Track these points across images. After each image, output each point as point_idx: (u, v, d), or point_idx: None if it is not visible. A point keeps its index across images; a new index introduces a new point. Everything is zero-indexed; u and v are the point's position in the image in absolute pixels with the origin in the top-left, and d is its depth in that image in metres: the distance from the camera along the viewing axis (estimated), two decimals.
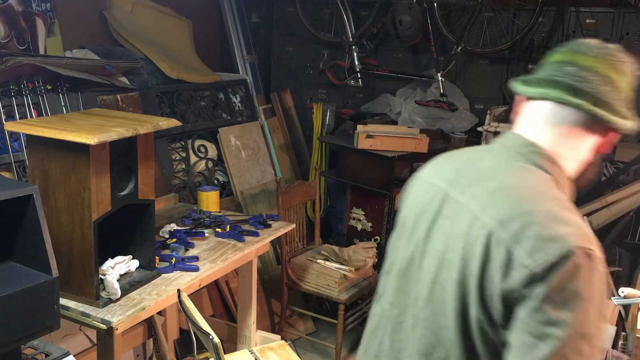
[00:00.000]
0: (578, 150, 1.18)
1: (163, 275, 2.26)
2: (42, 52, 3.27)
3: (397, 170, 3.63)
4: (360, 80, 4.32)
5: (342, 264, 3.39)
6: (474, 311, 1.08)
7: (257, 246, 2.65)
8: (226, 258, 2.46)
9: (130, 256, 2.23)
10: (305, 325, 3.77)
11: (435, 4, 3.98)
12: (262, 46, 4.80)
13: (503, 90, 3.94)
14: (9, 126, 2.08)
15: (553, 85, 1.17)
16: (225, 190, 4.01)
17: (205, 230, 2.71)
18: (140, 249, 2.24)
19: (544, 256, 1.00)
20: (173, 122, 2.21)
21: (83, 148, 1.87)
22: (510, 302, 1.03)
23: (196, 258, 2.41)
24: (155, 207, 2.26)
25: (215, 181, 3.98)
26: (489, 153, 1.23)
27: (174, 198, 3.18)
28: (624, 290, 2.21)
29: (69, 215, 1.98)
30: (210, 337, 1.91)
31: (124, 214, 2.11)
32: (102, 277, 2.05)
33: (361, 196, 3.74)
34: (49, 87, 3.07)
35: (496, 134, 3.87)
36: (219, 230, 2.70)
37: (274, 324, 3.68)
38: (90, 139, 1.83)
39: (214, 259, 2.44)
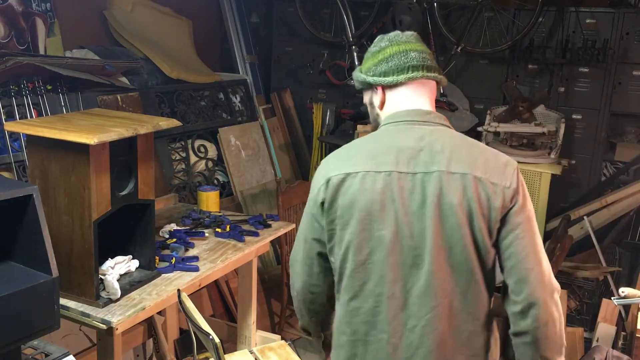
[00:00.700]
0: None
1: (163, 275, 2.26)
2: (42, 52, 3.27)
3: None
4: None
5: None
6: (479, 232, 1.42)
7: (257, 246, 2.65)
8: (226, 258, 2.46)
9: (130, 256, 2.23)
10: None
11: (435, 4, 3.98)
12: (262, 46, 4.80)
13: (503, 90, 3.94)
14: (9, 126, 2.08)
15: (414, 69, 1.51)
16: (225, 190, 4.01)
17: (205, 230, 2.71)
18: (140, 249, 2.24)
19: (510, 176, 1.43)
20: (173, 122, 2.21)
21: (83, 148, 1.87)
22: (504, 213, 1.41)
23: (196, 258, 2.41)
24: (155, 207, 2.26)
25: (215, 181, 3.98)
26: (402, 133, 1.49)
27: (174, 198, 3.18)
28: (624, 290, 2.21)
29: (69, 215, 1.98)
30: (210, 337, 1.91)
31: (124, 214, 2.11)
32: (102, 277, 2.05)
33: None
34: (49, 87, 3.07)
35: (496, 134, 3.88)
36: (219, 230, 2.70)
37: (274, 324, 3.68)
38: (90, 139, 1.83)
39: (214, 259, 2.44)
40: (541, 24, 3.81)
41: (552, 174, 3.60)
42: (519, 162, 3.67)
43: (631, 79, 3.71)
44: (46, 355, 1.75)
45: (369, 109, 1.63)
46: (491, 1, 3.86)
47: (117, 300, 2.05)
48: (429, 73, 1.51)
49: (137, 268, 2.23)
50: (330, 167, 1.50)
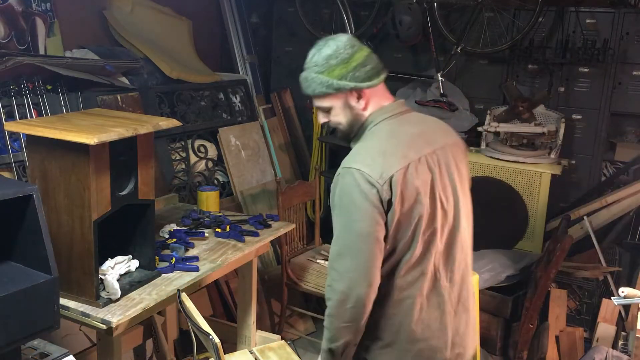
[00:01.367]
0: None
1: (163, 275, 2.26)
2: (42, 52, 3.27)
3: None
4: None
5: None
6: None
7: (257, 246, 2.65)
8: (226, 258, 2.46)
9: (130, 256, 2.23)
10: (305, 325, 3.77)
11: (435, 4, 3.98)
12: (262, 46, 4.80)
13: (503, 90, 3.94)
14: (9, 126, 2.08)
15: (383, 69, 1.72)
16: (225, 190, 4.01)
17: (205, 230, 2.71)
18: (140, 249, 2.24)
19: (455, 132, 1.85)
20: (173, 122, 2.21)
21: (83, 148, 1.87)
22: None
23: (196, 258, 2.41)
24: (155, 207, 2.26)
25: (215, 181, 3.98)
26: (401, 123, 1.72)
27: (174, 198, 3.18)
28: (624, 290, 2.21)
29: (69, 215, 1.98)
30: (210, 337, 1.91)
31: (124, 214, 2.11)
32: (102, 277, 2.05)
33: None
34: (49, 87, 3.07)
35: (496, 134, 3.88)
36: (219, 230, 2.70)
37: (274, 324, 3.68)
38: (90, 139, 1.83)
39: (214, 259, 2.44)
40: (541, 24, 3.81)
41: (552, 174, 3.60)
42: (519, 162, 3.71)
43: (631, 79, 3.70)
44: (46, 355, 1.76)
45: (340, 112, 1.73)
46: (491, 1, 3.86)
47: (117, 300, 2.05)
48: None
49: (137, 268, 2.23)
50: (379, 167, 1.59)
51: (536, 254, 3.59)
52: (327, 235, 4.25)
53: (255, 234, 2.70)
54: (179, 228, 2.68)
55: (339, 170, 1.63)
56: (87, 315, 1.98)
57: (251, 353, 2.51)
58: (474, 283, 2.02)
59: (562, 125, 3.72)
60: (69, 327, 2.55)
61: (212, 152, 4.00)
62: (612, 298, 2.30)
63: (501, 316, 3.34)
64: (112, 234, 2.14)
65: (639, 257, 3.53)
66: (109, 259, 2.15)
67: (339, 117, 1.73)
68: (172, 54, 3.98)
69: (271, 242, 3.06)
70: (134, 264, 2.22)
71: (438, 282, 1.67)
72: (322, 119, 1.77)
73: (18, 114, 2.92)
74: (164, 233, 2.61)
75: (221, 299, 3.53)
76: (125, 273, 2.18)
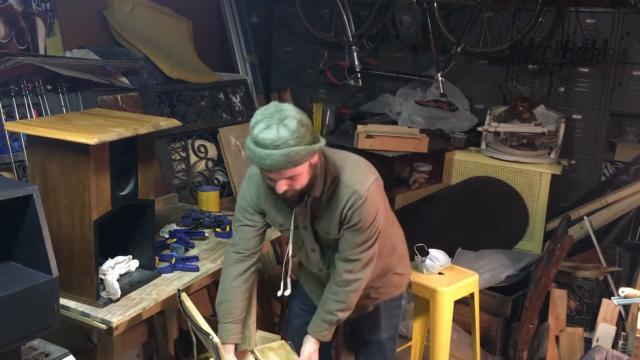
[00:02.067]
0: None
1: (163, 275, 2.26)
2: (42, 52, 3.27)
3: (397, 170, 3.63)
4: (360, 80, 4.32)
5: None
6: None
7: None
8: None
9: (130, 256, 2.23)
10: None
11: (435, 4, 3.98)
12: (262, 46, 4.80)
13: (503, 90, 3.94)
14: (9, 126, 2.08)
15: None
16: (225, 190, 4.01)
17: (205, 230, 2.71)
18: (140, 249, 2.24)
19: None
20: (173, 122, 2.21)
21: (83, 148, 1.87)
22: None
23: (196, 258, 2.41)
24: (155, 207, 2.26)
25: (215, 181, 3.98)
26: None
27: (174, 198, 3.18)
28: (624, 290, 2.21)
29: (69, 215, 1.98)
30: (210, 337, 1.91)
31: (124, 214, 2.11)
32: (102, 277, 2.05)
33: None
34: (49, 87, 3.07)
35: (496, 133, 3.88)
36: (219, 230, 2.70)
37: (274, 324, 3.68)
38: (90, 139, 1.83)
39: (214, 259, 2.44)
40: (541, 24, 3.81)
41: (552, 174, 3.60)
42: (519, 162, 3.72)
43: (631, 79, 3.71)
44: (46, 355, 1.75)
45: (305, 174, 1.78)
46: (491, 1, 3.86)
47: (117, 300, 2.05)
48: None
49: (137, 268, 2.23)
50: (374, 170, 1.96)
51: (536, 254, 3.59)
52: None
53: None
54: (179, 228, 2.67)
55: (353, 194, 1.84)
56: (87, 315, 1.97)
57: (251, 353, 2.51)
58: (474, 283, 2.05)
59: (562, 125, 3.72)
60: (69, 327, 2.54)
61: (212, 152, 4.00)
62: (612, 298, 2.30)
63: (501, 316, 3.34)
64: (112, 234, 2.14)
65: (639, 257, 3.53)
66: (109, 259, 2.14)
67: (303, 179, 1.79)
68: (172, 54, 3.98)
69: (271, 242, 3.05)
70: (134, 264, 2.22)
71: None
72: (283, 187, 1.77)
73: (18, 114, 2.92)
74: (164, 233, 2.61)
75: None
76: (125, 273, 2.18)
